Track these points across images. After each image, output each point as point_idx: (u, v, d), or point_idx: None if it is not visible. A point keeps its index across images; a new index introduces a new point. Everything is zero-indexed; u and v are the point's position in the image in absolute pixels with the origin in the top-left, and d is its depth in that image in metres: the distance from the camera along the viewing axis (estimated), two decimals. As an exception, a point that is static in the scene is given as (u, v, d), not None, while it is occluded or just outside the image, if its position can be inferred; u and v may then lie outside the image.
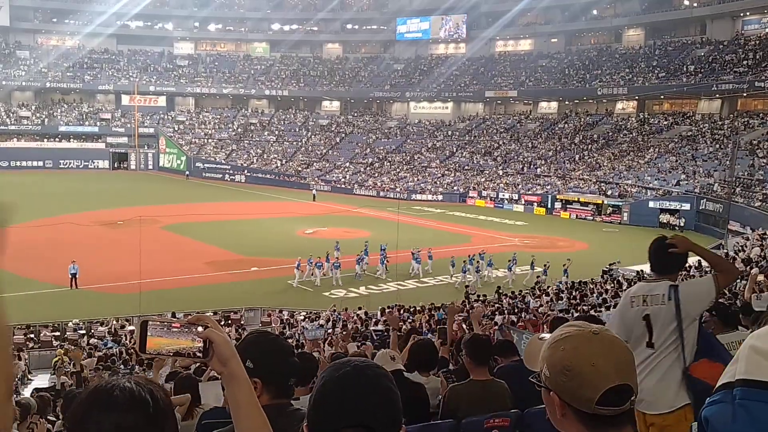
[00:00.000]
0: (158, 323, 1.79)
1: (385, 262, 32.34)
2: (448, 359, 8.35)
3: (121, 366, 16.08)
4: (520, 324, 16.68)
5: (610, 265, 30.89)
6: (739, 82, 57.31)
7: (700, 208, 46.15)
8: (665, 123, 63.12)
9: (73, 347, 18.98)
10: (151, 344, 1.77)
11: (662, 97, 66.02)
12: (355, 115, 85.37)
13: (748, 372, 1.43)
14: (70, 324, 23.17)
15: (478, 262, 31.73)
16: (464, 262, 31.41)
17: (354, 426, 1.58)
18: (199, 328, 1.79)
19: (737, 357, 1.46)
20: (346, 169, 71.58)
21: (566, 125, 70.08)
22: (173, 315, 22.14)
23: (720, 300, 14.61)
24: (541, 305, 22.49)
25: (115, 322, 23.52)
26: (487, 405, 4.93)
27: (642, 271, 28.00)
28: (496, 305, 23.22)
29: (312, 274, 30.75)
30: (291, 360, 2.77)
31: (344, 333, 16.64)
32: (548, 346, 1.79)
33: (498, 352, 6.62)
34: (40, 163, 74.06)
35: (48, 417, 8.43)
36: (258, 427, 1.81)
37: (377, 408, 1.60)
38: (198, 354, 1.78)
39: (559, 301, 23.09)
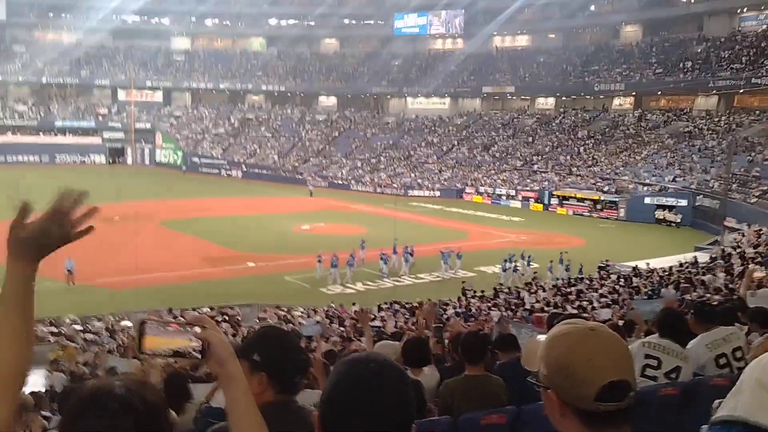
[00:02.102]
0: (156, 323, 1.79)
1: (410, 260, 32.29)
2: (443, 356, 8.34)
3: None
4: (516, 319, 16.69)
5: (603, 261, 30.93)
6: (735, 79, 57.39)
7: (697, 204, 46.20)
8: (662, 119, 63.20)
9: (71, 343, 18.89)
10: (149, 344, 1.76)
11: (659, 93, 66.09)
12: (353, 110, 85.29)
13: (751, 412, 1.40)
14: (66, 319, 23.12)
15: (517, 260, 31.62)
16: (504, 260, 31.30)
17: (365, 431, 1.57)
18: (197, 329, 1.78)
19: (740, 387, 1.42)
20: (342, 165, 71.56)
21: (564, 121, 70.12)
22: (170, 310, 22.16)
23: (701, 298, 14.63)
24: (537, 301, 22.50)
25: (111, 318, 23.47)
26: (481, 401, 4.93)
27: (637, 266, 28.11)
28: (493, 301, 23.25)
29: (330, 273, 30.43)
30: (298, 356, 2.76)
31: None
32: (545, 345, 1.78)
33: (499, 346, 6.62)
34: (37, 158, 73.92)
35: (43, 414, 8.42)
36: (253, 430, 1.80)
37: (391, 411, 1.59)
38: (195, 354, 1.78)
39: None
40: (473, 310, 21.63)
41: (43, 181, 59.32)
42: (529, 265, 31.78)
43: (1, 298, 1.72)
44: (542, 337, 1.89)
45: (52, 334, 21.29)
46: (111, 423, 1.49)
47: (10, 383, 1.64)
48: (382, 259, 31.73)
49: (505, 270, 30.87)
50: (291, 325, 21.67)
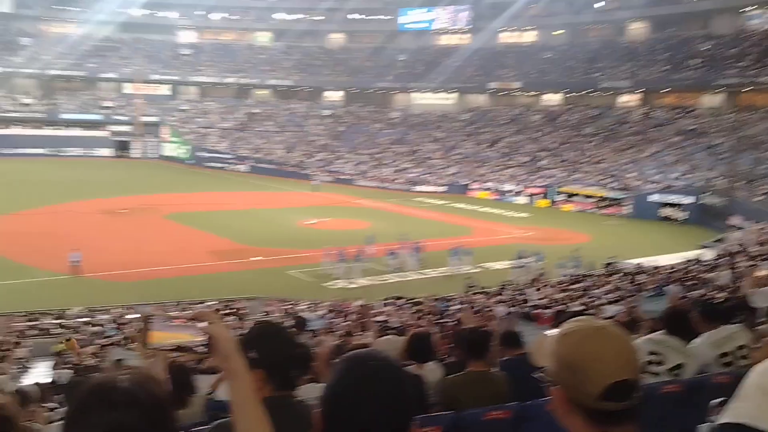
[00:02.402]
0: (161, 318, 1.79)
1: (417, 255, 32.16)
2: (445, 352, 8.34)
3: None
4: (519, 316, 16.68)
5: (609, 258, 30.83)
6: (742, 77, 57.20)
7: (702, 201, 46.08)
8: (668, 116, 63.03)
9: (68, 338, 18.76)
10: (154, 338, 1.77)
11: (666, 90, 65.86)
12: (358, 105, 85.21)
13: (755, 418, 1.40)
14: (72, 311, 23.19)
15: (529, 257, 31.29)
16: (516, 257, 30.92)
17: (366, 428, 1.58)
18: (202, 324, 1.79)
19: (744, 392, 1.42)
20: (348, 160, 71.50)
21: (570, 117, 69.98)
22: (177, 303, 22.24)
23: (706, 295, 14.59)
24: (542, 298, 22.45)
25: (117, 310, 23.53)
26: (483, 396, 4.93)
27: (642, 264, 28.03)
28: (498, 297, 23.20)
29: (336, 268, 30.35)
30: (295, 352, 2.76)
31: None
32: (553, 341, 1.79)
33: (502, 343, 6.61)
34: (43, 151, 74.02)
35: (47, 405, 8.46)
36: (256, 424, 1.81)
37: (390, 408, 1.61)
38: (200, 349, 1.78)
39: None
40: (477, 305, 21.59)
41: (50, 173, 59.66)
42: (540, 262, 31.55)
43: None
44: (552, 333, 1.89)
45: (58, 326, 21.38)
46: (116, 417, 1.50)
47: None
48: (390, 254, 31.68)
49: (518, 267, 30.68)
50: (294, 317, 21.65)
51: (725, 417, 1.51)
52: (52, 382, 12.10)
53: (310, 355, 5.34)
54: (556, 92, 74.82)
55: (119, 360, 12.39)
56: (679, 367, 4.93)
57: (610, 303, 18.79)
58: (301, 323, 9.61)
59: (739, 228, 37.76)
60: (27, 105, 79.16)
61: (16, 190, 48.85)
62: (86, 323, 21.73)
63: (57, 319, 22.42)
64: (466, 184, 61.23)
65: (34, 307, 23.27)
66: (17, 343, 18.58)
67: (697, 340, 5.30)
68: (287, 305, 24.40)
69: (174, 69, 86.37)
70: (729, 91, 59.92)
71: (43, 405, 8.00)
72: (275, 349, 2.62)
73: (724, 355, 5.20)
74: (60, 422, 7.05)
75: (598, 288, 23.09)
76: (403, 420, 1.63)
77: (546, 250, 32.54)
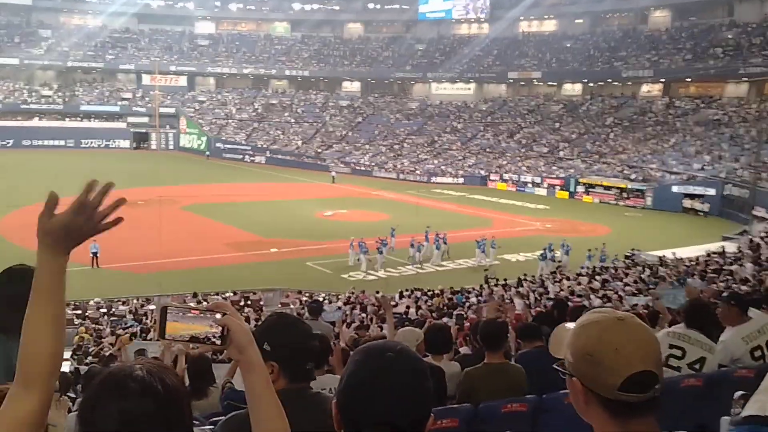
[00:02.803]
0: (177, 309, 1.80)
1: (441, 247, 32.15)
2: (458, 344, 8.32)
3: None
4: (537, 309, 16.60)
5: (630, 250, 30.65)
6: (766, 66, 56.39)
7: (725, 193, 45.60)
8: (691, 106, 62.36)
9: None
10: (170, 330, 1.78)
11: (688, 80, 65.11)
12: (376, 96, 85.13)
13: None
14: (91, 303, 23.42)
15: (556, 250, 31.13)
16: (544, 249, 30.75)
17: (382, 424, 1.56)
18: (217, 315, 1.80)
19: (766, 385, 1.39)
20: (365, 151, 71.50)
21: (590, 107, 69.47)
22: (194, 295, 22.38)
23: (728, 289, 14.42)
24: (561, 290, 22.36)
25: (135, 302, 23.74)
26: (502, 389, 4.91)
27: (664, 256, 27.83)
28: (516, 290, 23.13)
29: (358, 260, 30.55)
30: (309, 343, 2.73)
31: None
32: (572, 332, 1.77)
33: (520, 336, 6.58)
34: (62, 142, 74.70)
35: (69, 395, 8.51)
36: (272, 416, 1.82)
37: (408, 400, 1.58)
38: (215, 340, 1.78)
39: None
40: (496, 298, 21.54)
41: (69, 164, 60.08)
42: (567, 254, 31.34)
43: (34, 288, 1.71)
44: (571, 325, 1.87)
45: (77, 317, 21.59)
46: (131, 405, 1.51)
47: (43, 372, 1.65)
48: (412, 246, 31.66)
49: (544, 258, 30.53)
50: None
51: (749, 409, 1.48)
52: (72, 372, 12.20)
53: (325, 347, 5.33)
54: (576, 82, 74.26)
55: (139, 351, 12.49)
56: (699, 361, 4.86)
57: (630, 295, 18.70)
58: (316, 309, 9.58)
59: (764, 220, 37.37)
60: (46, 96, 79.86)
61: (36, 182, 49.31)
62: (105, 314, 21.94)
63: (76, 309, 22.62)
64: (485, 176, 61.06)
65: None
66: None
67: (727, 334, 5.23)
68: (305, 296, 24.48)
69: (191, 60, 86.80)
70: (754, 80, 59.12)
71: (65, 394, 8.05)
72: (288, 341, 2.60)
73: (756, 349, 5.13)
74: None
75: (620, 281, 22.97)
76: (421, 412, 1.61)
77: (566, 242, 32.37)
